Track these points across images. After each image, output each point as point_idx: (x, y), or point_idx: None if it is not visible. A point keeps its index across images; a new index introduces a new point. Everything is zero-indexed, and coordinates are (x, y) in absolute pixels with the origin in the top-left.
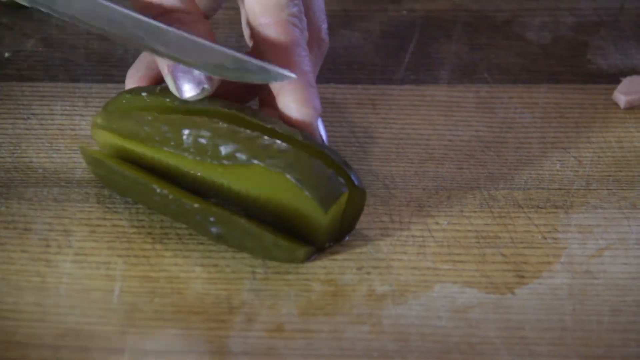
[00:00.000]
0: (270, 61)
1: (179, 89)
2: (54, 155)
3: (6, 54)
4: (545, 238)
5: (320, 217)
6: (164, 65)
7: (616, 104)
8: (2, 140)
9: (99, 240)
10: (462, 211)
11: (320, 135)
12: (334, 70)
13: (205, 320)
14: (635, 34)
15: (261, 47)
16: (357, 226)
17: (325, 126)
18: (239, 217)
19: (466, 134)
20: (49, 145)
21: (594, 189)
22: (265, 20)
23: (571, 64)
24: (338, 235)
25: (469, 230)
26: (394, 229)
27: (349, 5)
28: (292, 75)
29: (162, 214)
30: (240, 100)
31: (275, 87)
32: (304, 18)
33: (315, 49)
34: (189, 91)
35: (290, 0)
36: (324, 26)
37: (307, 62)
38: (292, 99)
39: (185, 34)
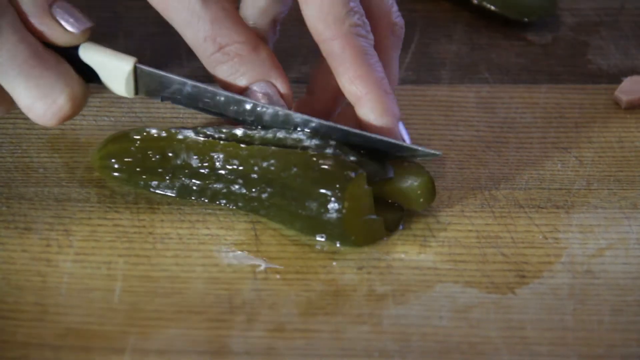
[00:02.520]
0: (340, 74)
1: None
2: (55, 155)
3: None
4: (546, 238)
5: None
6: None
7: (617, 104)
8: (3, 140)
9: (100, 240)
10: (463, 211)
11: (403, 139)
12: None
13: (206, 320)
14: (635, 34)
15: (330, 63)
16: None
17: (406, 127)
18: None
19: (467, 134)
20: (50, 145)
21: (594, 189)
22: (328, 36)
23: (572, 64)
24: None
25: (469, 230)
26: None
27: None
28: (437, 152)
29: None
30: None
31: (352, 98)
32: (367, 21)
33: (389, 35)
34: (71, 27)
35: (349, 11)
36: (394, 9)
37: (377, 69)
38: (371, 110)
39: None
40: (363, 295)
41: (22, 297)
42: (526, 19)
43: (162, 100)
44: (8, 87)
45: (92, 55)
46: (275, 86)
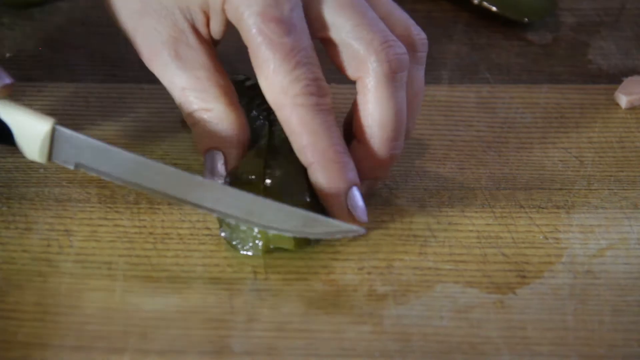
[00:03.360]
0: (291, 142)
1: None
2: None
3: (7, 54)
4: (546, 238)
5: None
6: None
7: (617, 104)
8: None
9: (101, 240)
10: (463, 211)
11: (353, 205)
12: (335, 70)
13: (206, 320)
14: (635, 34)
15: (286, 130)
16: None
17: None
18: None
19: (467, 134)
20: None
21: (595, 189)
22: (276, 106)
23: (572, 64)
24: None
25: (470, 230)
26: (395, 228)
27: None
28: (360, 230)
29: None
30: None
31: (304, 162)
32: (321, 84)
33: (410, 52)
34: None
35: (292, 80)
36: (412, 27)
37: (326, 135)
38: (317, 178)
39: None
40: (364, 295)
41: (23, 297)
42: (526, 19)
43: (75, 167)
44: None
45: (8, 113)
46: (226, 157)
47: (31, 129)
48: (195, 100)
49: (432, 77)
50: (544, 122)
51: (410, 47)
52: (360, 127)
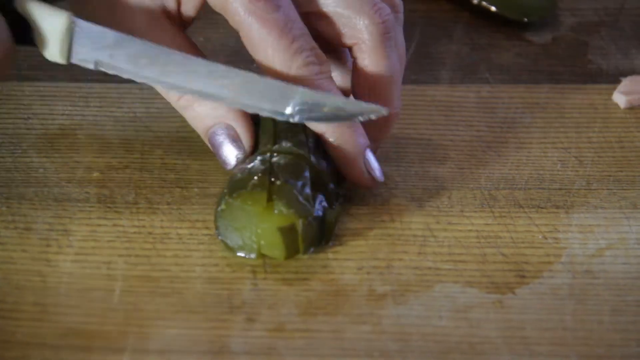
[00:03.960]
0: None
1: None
2: (55, 155)
3: None
4: (546, 238)
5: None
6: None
7: (617, 104)
8: (3, 140)
9: (100, 240)
10: (462, 211)
11: (369, 169)
12: None
13: (205, 320)
14: (635, 34)
15: None
16: (358, 226)
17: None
18: None
19: (467, 134)
20: (50, 145)
21: (594, 189)
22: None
23: (572, 64)
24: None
25: (469, 230)
26: (395, 228)
27: None
28: (382, 110)
29: None
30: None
31: (317, 131)
32: (318, 51)
33: (393, 15)
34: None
35: (293, 53)
36: None
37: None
38: (333, 141)
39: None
40: (363, 295)
41: (22, 297)
42: (526, 19)
43: (95, 67)
44: None
45: (26, 8)
46: (234, 129)
47: (50, 22)
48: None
49: (432, 77)
50: (543, 122)
51: (393, 8)
52: (362, 90)
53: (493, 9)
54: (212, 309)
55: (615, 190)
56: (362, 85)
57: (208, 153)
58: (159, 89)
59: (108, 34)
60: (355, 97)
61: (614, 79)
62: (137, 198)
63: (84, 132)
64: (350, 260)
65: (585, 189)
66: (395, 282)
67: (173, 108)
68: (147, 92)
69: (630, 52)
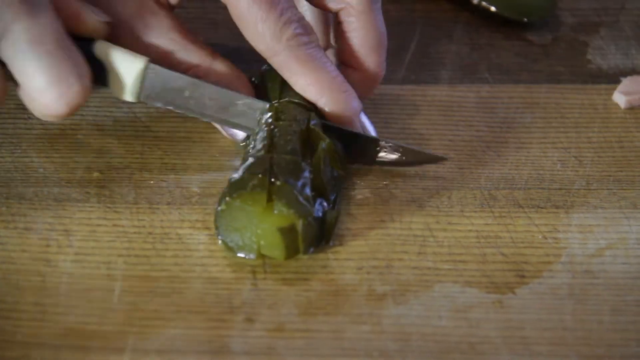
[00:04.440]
0: (293, 84)
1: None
2: (55, 155)
3: None
4: (545, 238)
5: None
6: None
7: (616, 104)
8: (3, 140)
9: (99, 240)
10: (462, 211)
11: (365, 129)
12: None
13: (205, 320)
14: (635, 34)
15: (282, 75)
16: (358, 226)
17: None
18: None
19: (467, 134)
20: (50, 145)
21: (594, 189)
22: (271, 53)
23: (571, 64)
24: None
25: (469, 230)
26: (395, 228)
27: None
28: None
29: None
30: None
31: (310, 100)
32: (306, 23)
33: None
34: (99, 16)
35: (283, 24)
36: None
37: (327, 69)
38: (330, 110)
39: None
40: (363, 295)
41: (22, 297)
42: (526, 19)
43: (164, 105)
44: (22, 67)
45: (106, 52)
46: None
47: (126, 67)
48: (180, 60)
49: (432, 77)
50: (543, 122)
51: None
52: (352, 53)
53: (493, 9)
54: (212, 309)
55: (615, 190)
56: (351, 50)
57: (208, 153)
58: None
59: (178, 79)
60: (343, 62)
61: (614, 79)
62: (137, 198)
63: (84, 132)
64: (350, 260)
65: (585, 189)
66: (395, 282)
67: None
68: None
69: (630, 52)
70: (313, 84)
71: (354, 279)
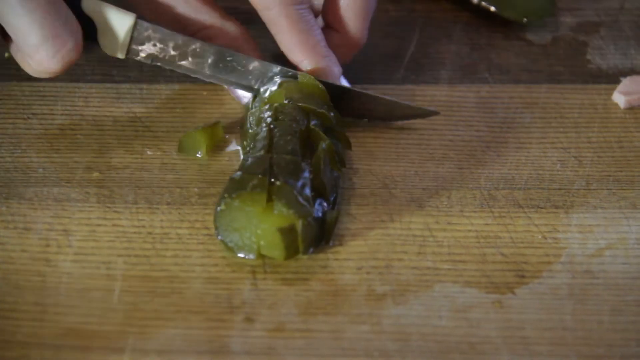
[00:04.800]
0: (279, 42)
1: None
2: (54, 155)
3: (6, 54)
4: (545, 238)
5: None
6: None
7: (616, 104)
8: (2, 140)
9: (99, 240)
10: (462, 211)
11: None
12: None
13: (205, 320)
14: (635, 34)
15: (270, 30)
16: (358, 226)
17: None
18: None
19: (466, 134)
20: (49, 145)
21: (594, 189)
22: (264, 6)
23: (571, 64)
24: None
25: (469, 230)
26: (394, 228)
27: None
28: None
29: None
30: None
31: (293, 62)
32: None
33: None
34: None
35: None
36: None
37: (313, 34)
38: (311, 73)
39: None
40: (362, 295)
41: (22, 297)
42: (526, 19)
43: (151, 62)
44: (15, 23)
45: (94, 8)
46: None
47: (116, 23)
48: (192, 21)
49: (431, 77)
50: (543, 122)
51: None
52: (336, 15)
53: (493, 9)
54: (211, 309)
55: (614, 190)
56: (336, 12)
57: (207, 153)
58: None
59: (165, 33)
60: (327, 23)
61: (613, 79)
62: (137, 198)
63: (84, 132)
64: (350, 260)
65: (584, 189)
66: (395, 282)
67: (173, 108)
68: (147, 92)
69: (629, 52)
70: (298, 45)
71: (353, 279)
